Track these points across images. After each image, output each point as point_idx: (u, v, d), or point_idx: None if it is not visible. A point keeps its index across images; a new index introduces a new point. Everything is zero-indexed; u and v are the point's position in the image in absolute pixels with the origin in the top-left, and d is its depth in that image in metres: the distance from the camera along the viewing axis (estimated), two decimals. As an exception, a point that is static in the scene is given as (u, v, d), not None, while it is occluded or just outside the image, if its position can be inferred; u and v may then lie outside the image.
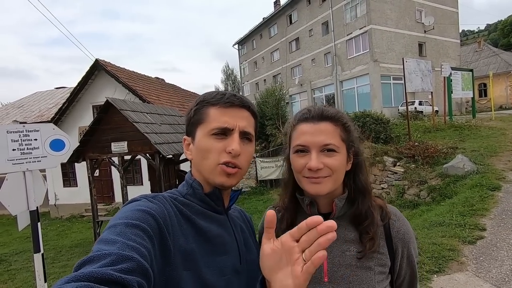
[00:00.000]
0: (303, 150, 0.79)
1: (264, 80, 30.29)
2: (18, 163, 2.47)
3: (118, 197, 13.50)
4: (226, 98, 0.75)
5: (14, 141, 2.44)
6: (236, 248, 0.78)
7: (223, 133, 0.73)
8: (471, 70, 12.78)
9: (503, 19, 47.36)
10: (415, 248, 0.87)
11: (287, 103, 23.05)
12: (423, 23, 20.25)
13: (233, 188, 0.82)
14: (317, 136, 0.78)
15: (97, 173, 11.10)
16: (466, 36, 58.56)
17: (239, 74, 37.56)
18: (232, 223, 0.82)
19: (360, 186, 0.84)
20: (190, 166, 0.81)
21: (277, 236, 0.89)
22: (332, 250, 0.81)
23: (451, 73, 11.00)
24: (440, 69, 11.03)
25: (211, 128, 0.73)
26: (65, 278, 0.43)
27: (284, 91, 22.81)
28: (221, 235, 0.75)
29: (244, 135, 0.75)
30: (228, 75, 43.24)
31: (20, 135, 2.47)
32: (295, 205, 0.88)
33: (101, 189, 13.14)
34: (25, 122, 3.07)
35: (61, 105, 13.89)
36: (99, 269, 0.44)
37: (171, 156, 7.27)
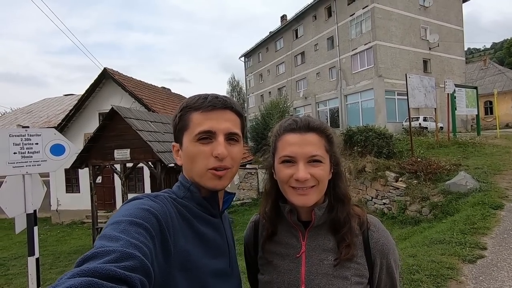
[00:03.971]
0: (290, 160, 0.80)
1: (269, 92, 30.59)
2: (18, 166, 2.52)
3: (119, 205, 13.42)
4: (208, 102, 0.75)
5: (16, 145, 2.50)
6: (227, 251, 0.80)
7: (208, 137, 0.73)
8: (476, 88, 12.78)
9: (509, 38, 47.59)
10: (395, 260, 0.87)
11: (291, 115, 23.13)
12: (428, 40, 20.45)
13: (227, 190, 0.83)
14: (304, 147, 0.79)
15: (99, 179, 11.17)
16: (472, 54, 58.78)
17: (245, 86, 37.99)
18: (225, 226, 0.83)
19: (340, 193, 0.85)
20: (181, 170, 0.82)
21: (260, 243, 0.92)
22: (310, 258, 0.82)
23: (455, 90, 11.00)
24: (444, 85, 11.05)
25: (196, 134, 0.73)
26: (69, 272, 0.43)
27: (289, 104, 23.01)
28: (215, 238, 0.76)
29: (230, 136, 0.75)
30: (234, 86, 43.78)
31: (22, 139, 2.54)
32: (277, 214, 0.89)
33: (103, 196, 13.19)
34: (28, 127, 3.13)
35: (68, 111, 14.15)
36: (103, 265, 0.44)
37: (172, 164, 7.32)
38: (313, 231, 0.85)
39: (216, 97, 0.77)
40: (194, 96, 0.79)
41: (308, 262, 0.82)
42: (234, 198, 0.86)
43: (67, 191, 14.40)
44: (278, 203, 0.88)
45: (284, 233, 0.88)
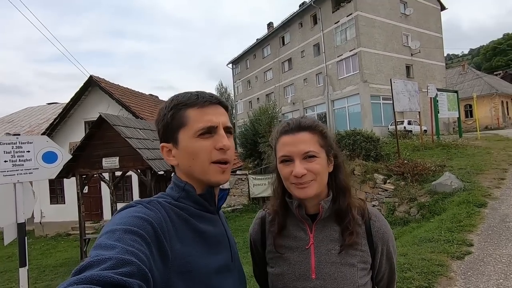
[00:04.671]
0: (287, 159, 0.87)
1: (258, 98, 30.76)
2: (9, 175, 2.45)
3: (106, 215, 13.16)
4: (202, 98, 0.76)
5: (7, 153, 2.44)
6: (228, 246, 0.81)
7: (209, 132, 0.74)
8: (456, 92, 13.30)
9: (484, 44, 49.89)
10: (393, 246, 0.96)
11: (280, 121, 23.33)
12: (409, 46, 21.19)
13: (221, 187, 0.84)
14: (298, 145, 0.86)
15: (86, 189, 10.89)
16: (451, 60, 61.10)
17: (233, 93, 38.08)
18: (223, 221, 0.85)
19: (341, 184, 0.92)
20: (174, 171, 0.82)
21: (269, 238, 0.97)
22: (319, 249, 0.88)
23: (437, 94, 11.41)
24: (426, 90, 11.47)
25: (197, 130, 0.73)
26: (66, 281, 0.43)
27: (277, 110, 23.16)
28: (215, 234, 0.77)
29: (227, 130, 0.78)
30: (222, 93, 43.78)
31: (13, 146, 2.48)
32: (285, 209, 0.95)
33: (89, 206, 12.83)
34: (19, 134, 3.07)
35: (53, 120, 13.80)
36: (100, 272, 0.44)
37: (162, 172, 7.24)
38: (320, 224, 0.92)
39: (206, 93, 0.79)
40: (181, 93, 0.80)
41: (317, 252, 0.88)
42: (225, 205, 0.90)
43: (51, 202, 13.92)
44: (285, 199, 0.94)
45: (292, 227, 0.94)
